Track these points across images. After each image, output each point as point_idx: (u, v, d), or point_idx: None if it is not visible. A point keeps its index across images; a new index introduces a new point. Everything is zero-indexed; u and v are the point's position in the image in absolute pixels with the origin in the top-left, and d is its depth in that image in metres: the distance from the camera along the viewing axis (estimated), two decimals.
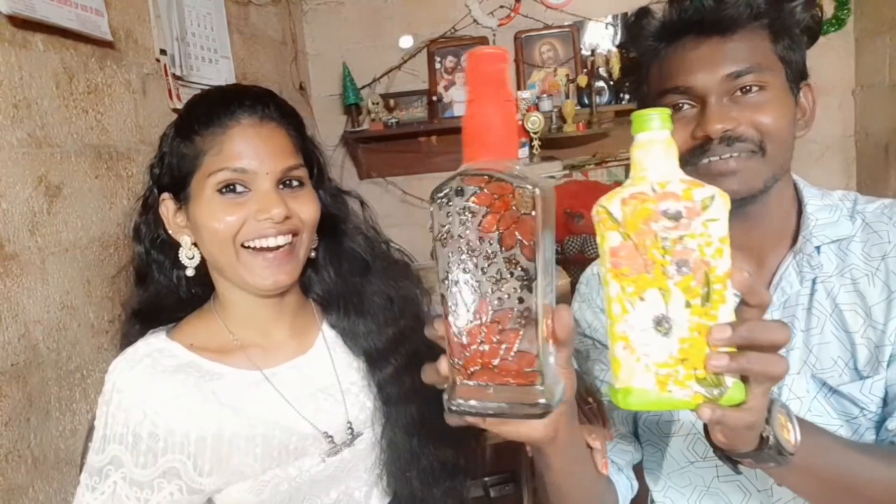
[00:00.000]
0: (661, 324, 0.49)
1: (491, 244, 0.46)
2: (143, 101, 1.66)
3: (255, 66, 2.40)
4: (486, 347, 0.47)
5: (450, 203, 0.46)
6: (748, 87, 0.77)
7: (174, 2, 1.78)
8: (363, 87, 2.88)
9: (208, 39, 1.98)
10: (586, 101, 2.81)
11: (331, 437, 0.83)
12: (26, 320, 1.24)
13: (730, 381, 0.50)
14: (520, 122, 2.76)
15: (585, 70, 2.84)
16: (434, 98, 2.79)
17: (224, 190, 0.78)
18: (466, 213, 0.46)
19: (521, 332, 0.46)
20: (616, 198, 0.51)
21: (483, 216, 0.46)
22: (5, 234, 1.21)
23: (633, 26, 0.85)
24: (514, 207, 0.45)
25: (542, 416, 0.48)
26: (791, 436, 0.58)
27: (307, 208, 0.81)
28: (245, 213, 0.77)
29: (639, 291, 0.50)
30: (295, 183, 0.81)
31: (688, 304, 0.49)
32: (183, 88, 1.81)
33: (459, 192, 0.46)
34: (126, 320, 0.87)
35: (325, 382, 0.86)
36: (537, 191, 0.45)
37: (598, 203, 0.51)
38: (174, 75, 1.77)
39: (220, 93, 0.84)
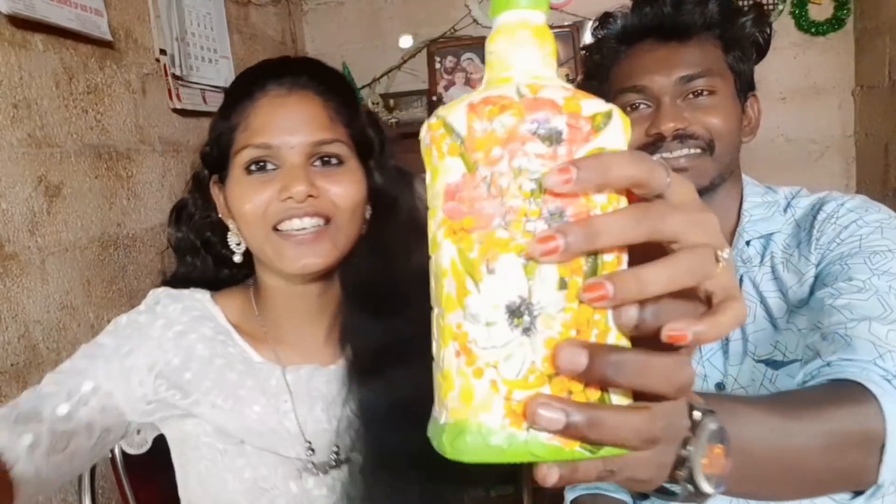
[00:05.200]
0: (520, 314, 0.30)
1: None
2: (142, 101, 1.66)
3: None
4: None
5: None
6: (699, 91, 0.83)
7: (174, 2, 1.78)
8: (363, 86, 2.88)
9: (208, 39, 1.98)
10: None
11: (312, 449, 0.75)
12: (26, 320, 1.24)
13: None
14: None
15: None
16: (434, 98, 2.79)
17: (253, 168, 0.71)
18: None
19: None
20: (461, 105, 0.31)
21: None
22: (5, 234, 1.21)
23: (597, 30, 0.91)
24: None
25: None
26: (716, 473, 0.40)
27: (341, 190, 0.71)
28: (272, 192, 0.70)
29: (487, 257, 0.30)
30: (333, 161, 0.72)
31: (563, 284, 0.30)
32: (183, 88, 1.81)
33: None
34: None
35: (332, 398, 0.77)
36: None
37: (434, 114, 0.32)
38: (174, 75, 1.77)
39: (258, 66, 0.78)
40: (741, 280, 0.85)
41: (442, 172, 0.31)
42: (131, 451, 0.80)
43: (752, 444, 0.45)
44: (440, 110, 0.32)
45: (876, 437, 0.55)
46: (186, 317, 0.76)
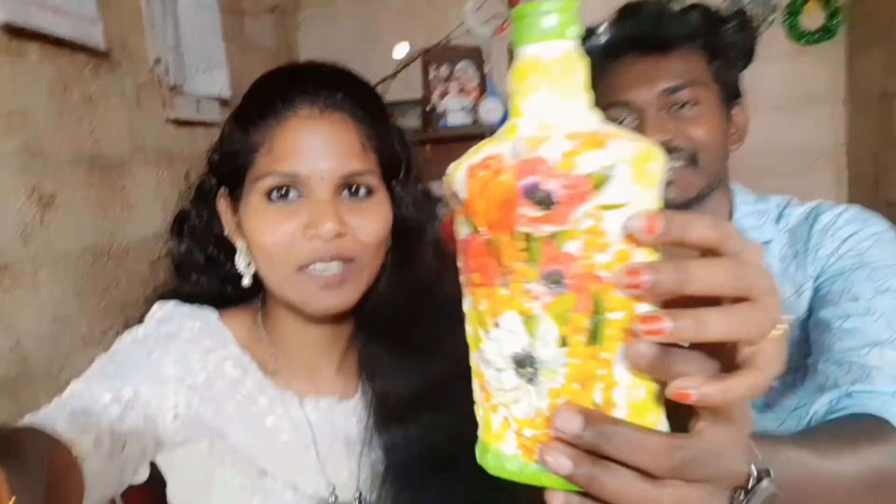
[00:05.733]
0: (524, 365, 0.32)
1: None
2: (137, 110, 1.66)
3: (250, 75, 2.38)
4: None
5: None
6: (683, 102, 0.83)
7: (169, 11, 1.78)
8: None
9: (203, 49, 1.98)
10: None
11: (335, 494, 0.71)
12: (18, 332, 1.23)
13: None
14: None
15: None
16: (428, 107, 2.80)
17: (274, 195, 0.65)
18: None
19: None
20: (464, 165, 0.32)
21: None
22: None
23: (581, 43, 0.89)
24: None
25: None
26: None
27: (369, 225, 0.66)
28: (296, 225, 0.65)
29: (493, 312, 0.32)
30: (362, 191, 0.67)
31: (563, 342, 0.30)
32: (178, 98, 1.81)
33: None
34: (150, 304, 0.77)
35: (352, 434, 0.73)
36: None
37: (448, 169, 0.34)
38: (169, 85, 1.77)
39: (283, 73, 0.72)
40: None
41: (457, 226, 0.34)
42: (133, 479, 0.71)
43: (794, 486, 0.44)
44: (451, 167, 0.33)
45: None
46: (209, 334, 0.71)
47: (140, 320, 0.76)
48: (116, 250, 1.53)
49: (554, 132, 0.31)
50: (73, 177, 1.41)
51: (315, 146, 0.65)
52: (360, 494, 0.72)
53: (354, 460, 0.72)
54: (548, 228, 0.29)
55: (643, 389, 0.31)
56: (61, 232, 1.36)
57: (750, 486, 0.35)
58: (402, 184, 0.73)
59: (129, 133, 1.63)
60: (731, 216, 0.88)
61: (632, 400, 0.31)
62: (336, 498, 0.71)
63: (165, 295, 0.77)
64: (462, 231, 0.33)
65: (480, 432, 0.35)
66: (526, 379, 0.32)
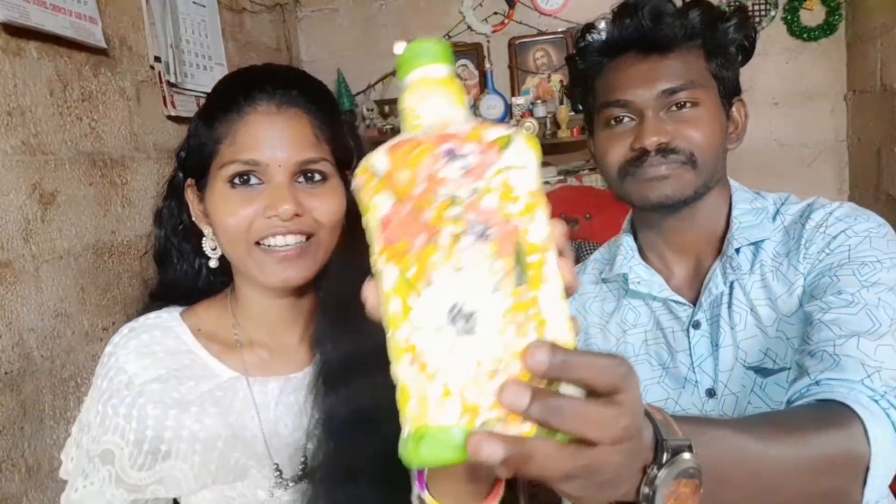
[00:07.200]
0: (461, 318, 0.33)
1: None
2: (137, 108, 1.66)
3: None
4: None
5: None
6: (683, 103, 0.83)
7: (168, 9, 1.78)
8: (358, 93, 2.88)
9: (203, 47, 1.98)
10: (580, 107, 2.82)
11: (279, 470, 0.76)
12: (20, 328, 1.24)
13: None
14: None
15: None
16: None
17: (237, 181, 0.72)
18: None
19: None
20: (382, 148, 0.36)
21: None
22: None
23: (580, 41, 0.91)
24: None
25: None
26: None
27: (325, 207, 0.73)
28: (257, 208, 0.71)
29: (425, 272, 0.33)
30: (317, 177, 0.74)
31: (496, 287, 0.33)
32: (177, 96, 1.81)
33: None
34: (145, 304, 0.84)
35: (301, 405, 0.78)
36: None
37: (360, 163, 0.38)
38: (168, 82, 1.77)
39: (244, 74, 0.79)
40: (732, 287, 0.85)
41: (373, 209, 0.36)
42: None
43: (725, 468, 0.46)
44: (364, 159, 0.37)
45: (860, 461, 0.56)
46: (139, 365, 0.75)
47: (140, 315, 0.81)
48: (118, 247, 1.54)
49: (455, 120, 0.37)
50: (73, 174, 1.42)
51: (273, 137, 0.72)
52: (305, 460, 0.76)
53: (300, 433, 0.77)
54: (469, 184, 0.34)
55: (565, 321, 0.35)
56: (63, 229, 1.37)
57: (664, 460, 0.38)
58: (354, 170, 0.77)
59: (130, 130, 1.63)
60: (728, 213, 0.88)
61: (562, 339, 0.34)
62: (281, 475, 0.76)
63: (154, 292, 0.83)
64: (382, 207, 0.35)
65: (413, 424, 0.33)
66: (464, 332, 0.33)
